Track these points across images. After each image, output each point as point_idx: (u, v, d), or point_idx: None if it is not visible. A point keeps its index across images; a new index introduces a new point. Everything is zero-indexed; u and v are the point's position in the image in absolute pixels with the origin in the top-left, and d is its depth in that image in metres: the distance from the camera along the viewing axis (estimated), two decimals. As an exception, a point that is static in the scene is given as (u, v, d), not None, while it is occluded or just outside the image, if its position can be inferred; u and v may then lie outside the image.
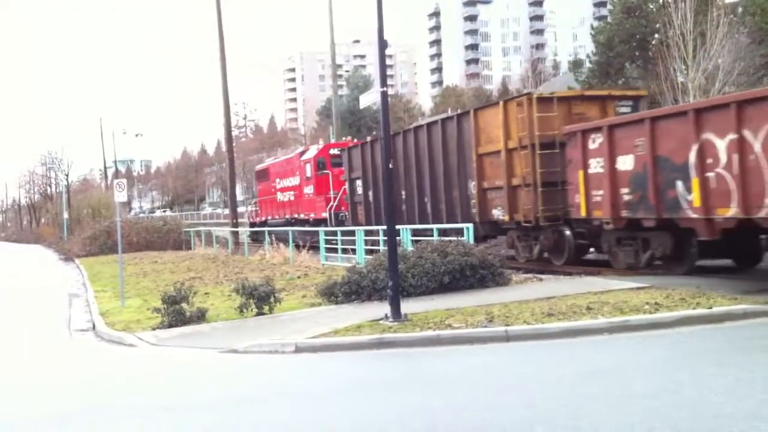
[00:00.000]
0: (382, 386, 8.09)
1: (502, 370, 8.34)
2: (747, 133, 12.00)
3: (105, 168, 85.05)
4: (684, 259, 14.45)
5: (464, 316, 11.13)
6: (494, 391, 7.23)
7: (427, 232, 18.90)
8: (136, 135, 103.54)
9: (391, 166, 12.74)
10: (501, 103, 18.54)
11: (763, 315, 10.01)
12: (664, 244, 14.44)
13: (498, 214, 18.52)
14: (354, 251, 21.18)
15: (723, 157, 12.58)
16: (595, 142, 15.55)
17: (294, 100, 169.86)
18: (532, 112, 17.06)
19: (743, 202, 12.15)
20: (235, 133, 65.26)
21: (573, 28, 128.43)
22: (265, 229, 31.17)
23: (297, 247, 25.56)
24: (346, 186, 27.51)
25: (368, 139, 27.82)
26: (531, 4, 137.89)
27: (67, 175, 76.85)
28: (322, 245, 23.44)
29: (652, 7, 46.18)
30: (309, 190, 31.84)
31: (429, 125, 22.07)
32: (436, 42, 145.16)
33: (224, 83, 37.01)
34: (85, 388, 9.39)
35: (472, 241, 16.29)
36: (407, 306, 11.65)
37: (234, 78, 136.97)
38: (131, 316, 15.21)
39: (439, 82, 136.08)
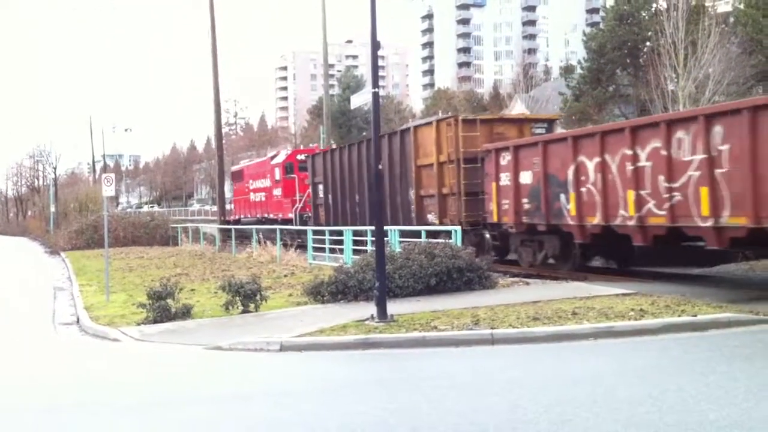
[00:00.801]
0: (366, 386, 8.07)
1: (487, 373, 8.34)
2: (607, 157, 14.85)
3: (93, 162, 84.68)
4: (569, 258, 16.94)
5: (450, 318, 11.13)
6: (479, 393, 7.23)
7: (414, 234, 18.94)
8: (126, 130, 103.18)
9: (381, 167, 12.80)
10: (434, 122, 21.05)
11: (748, 323, 10.06)
12: (554, 246, 17.07)
13: (431, 218, 20.60)
14: (341, 251, 21.15)
15: (591, 176, 15.30)
16: (505, 159, 17.99)
17: (285, 98, 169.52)
18: (458, 131, 19.44)
19: (604, 212, 14.98)
20: (225, 130, 65.13)
21: (565, 33, 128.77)
22: (253, 227, 31.13)
23: (284, 245, 25.52)
24: (310, 189, 29.48)
25: (333, 146, 30.77)
26: (524, 9, 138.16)
27: (54, 169, 76.60)
28: (310, 244, 23.41)
29: (644, 15, 46.32)
30: (278, 192, 33.93)
31: (387, 135, 23.51)
32: (429, 44, 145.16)
33: (215, 81, 36.90)
34: (67, 383, 9.33)
35: (460, 243, 16.31)
36: (393, 307, 11.65)
37: (225, 75, 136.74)
38: (116, 310, 15.14)
39: (431, 85, 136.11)
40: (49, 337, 13.67)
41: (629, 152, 14.24)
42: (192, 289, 17.12)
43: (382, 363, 9.61)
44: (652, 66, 36.86)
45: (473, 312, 11.48)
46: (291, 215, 31.52)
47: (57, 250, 40.26)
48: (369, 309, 11.74)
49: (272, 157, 37.11)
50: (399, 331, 10.61)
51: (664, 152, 13.44)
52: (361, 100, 14.19)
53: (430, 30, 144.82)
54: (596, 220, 15.21)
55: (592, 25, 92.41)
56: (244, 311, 13.42)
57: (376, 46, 11.97)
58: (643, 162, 14.03)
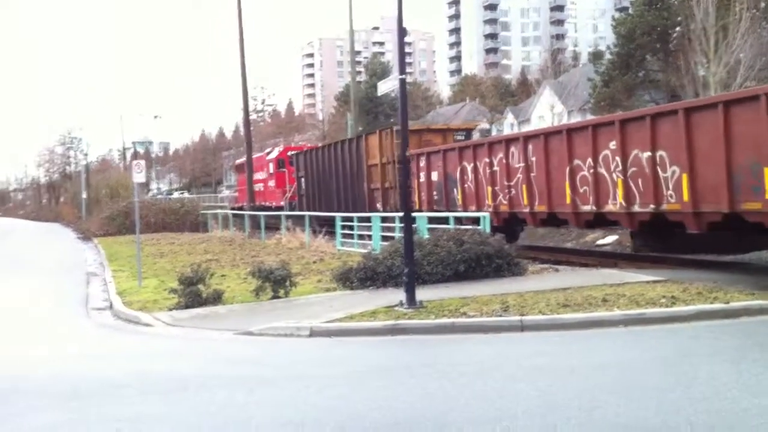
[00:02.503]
0: (395, 372, 8.12)
1: (516, 360, 8.35)
2: (478, 163, 19.71)
3: (124, 149, 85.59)
4: None
5: (479, 304, 11.13)
6: (507, 379, 7.25)
7: (444, 221, 19.09)
8: (155, 117, 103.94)
9: (408, 154, 12.80)
10: (378, 132, 26.63)
11: (781, 311, 9.95)
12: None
13: (379, 206, 25.16)
14: (370, 237, 21.21)
15: (470, 176, 20.09)
16: (422, 161, 22.87)
17: (312, 85, 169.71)
18: (393, 139, 24.28)
19: (477, 203, 19.75)
20: (252, 117, 65.33)
21: (594, 19, 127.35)
22: (282, 213, 31.33)
23: (313, 232, 25.64)
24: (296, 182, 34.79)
25: (319, 145, 36.13)
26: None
27: (86, 155, 77.31)
28: (338, 231, 23.49)
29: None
30: (272, 183, 39.20)
31: (343, 142, 30.38)
32: (456, 30, 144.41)
33: (243, 69, 37.05)
34: (99, 367, 9.48)
35: (488, 230, 16.29)
36: (422, 293, 11.67)
37: (253, 63, 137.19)
38: (148, 296, 15.32)
39: (458, 71, 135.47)
40: (82, 322, 13.89)
41: (487, 160, 19.31)
42: (222, 275, 17.27)
43: (410, 349, 9.66)
44: (683, 51, 36.43)
45: (502, 298, 11.47)
46: (282, 203, 36.19)
47: (89, 236, 40.71)
48: (398, 295, 11.78)
49: (268, 153, 42.35)
50: (428, 317, 10.64)
51: (504, 160, 18.60)
52: (387, 86, 14.19)
53: (456, 16, 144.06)
54: (474, 208, 19.73)
55: (621, 10, 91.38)
56: (274, 297, 13.52)
57: (402, 32, 11.95)
58: (495, 167, 19.03)
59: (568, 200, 16.43)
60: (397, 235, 18.05)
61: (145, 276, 18.13)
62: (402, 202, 12.36)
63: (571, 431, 5.40)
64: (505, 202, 18.60)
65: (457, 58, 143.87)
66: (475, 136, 28.07)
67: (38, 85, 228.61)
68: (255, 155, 46.96)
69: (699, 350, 8.27)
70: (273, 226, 30.47)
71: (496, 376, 7.47)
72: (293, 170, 35.39)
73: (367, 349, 9.74)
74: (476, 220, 17.77)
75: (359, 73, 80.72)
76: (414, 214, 16.32)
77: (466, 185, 20.31)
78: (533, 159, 17.45)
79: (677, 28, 44.59)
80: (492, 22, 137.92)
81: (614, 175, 15.06)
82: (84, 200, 58.48)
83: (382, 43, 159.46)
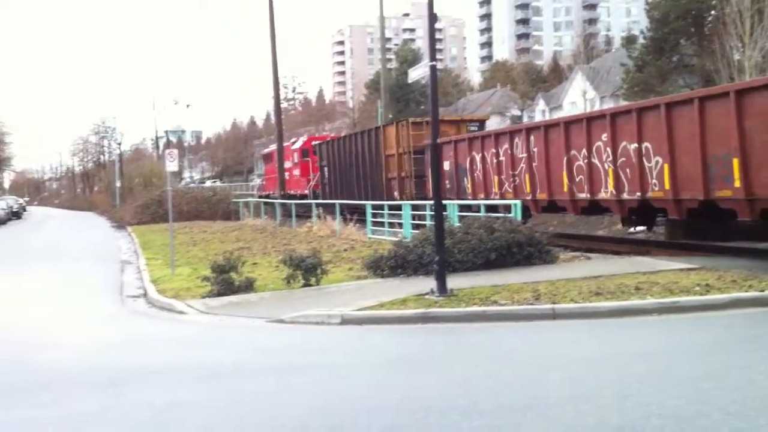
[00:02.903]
0: (426, 360, 8.13)
1: (548, 348, 8.32)
2: (485, 153, 21.03)
3: (156, 138, 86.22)
4: None
5: (510, 293, 11.10)
6: (539, 368, 7.22)
7: (474, 208, 19.08)
8: (187, 106, 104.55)
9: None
10: (395, 123, 28.09)
11: (818, 300, 9.79)
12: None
13: (396, 194, 26.61)
14: (400, 225, 21.22)
15: (478, 165, 21.50)
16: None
17: (342, 73, 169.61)
18: (409, 131, 26.05)
19: (485, 191, 21.11)
20: (283, 106, 65.55)
21: (627, 3, 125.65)
22: (312, 201, 31.48)
23: (344, 220, 25.71)
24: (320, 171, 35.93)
25: (341, 135, 37.37)
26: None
27: (119, 144, 78.18)
28: (369, 219, 23.52)
29: (709, -18, 44.90)
30: (297, 172, 40.38)
31: (362, 133, 31.80)
32: (487, 16, 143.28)
33: (274, 58, 37.13)
34: (132, 354, 9.62)
35: (519, 218, 16.21)
36: (453, 281, 11.65)
37: (283, 51, 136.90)
38: (181, 284, 15.48)
39: (489, 57, 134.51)
40: (117, 310, 14.07)
41: (494, 150, 20.58)
42: (254, 263, 17.39)
43: (441, 337, 9.66)
44: (718, 35, 35.79)
45: (534, 287, 11.42)
46: (306, 191, 37.23)
47: (123, 224, 41.23)
48: (428, 283, 11.78)
49: (293, 143, 43.27)
50: (459, 305, 10.63)
51: (509, 150, 19.87)
52: (418, 73, 14.10)
53: (487, 2, 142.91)
54: (482, 195, 21.01)
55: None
56: (305, 285, 13.60)
57: (433, 18, 11.89)
58: (501, 157, 20.33)
59: (565, 188, 17.60)
60: (428, 223, 18.04)
61: (178, 264, 18.32)
62: (433, 190, 12.32)
63: (604, 420, 5.36)
64: (510, 190, 19.91)
65: (487, 44, 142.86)
66: (505, 123, 29.99)
67: (74, 74, 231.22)
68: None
69: (733, 339, 8.18)
70: (302, 214, 30.70)
71: (528, 364, 7.45)
72: (317, 159, 36.47)
73: (398, 337, 9.76)
74: (506, 208, 17.77)
75: (389, 60, 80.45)
76: (444, 202, 16.29)
77: (475, 174, 21.79)
78: (535, 150, 18.73)
79: (712, 12, 43.81)
80: (523, 7, 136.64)
81: (606, 165, 16.19)
82: (118, 189, 59.18)
83: (412, 30, 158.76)
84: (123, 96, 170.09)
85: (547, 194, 18.25)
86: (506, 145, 20.04)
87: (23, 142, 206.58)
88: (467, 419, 5.57)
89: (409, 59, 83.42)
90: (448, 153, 23.00)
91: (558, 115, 55.76)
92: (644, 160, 15.05)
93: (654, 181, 14.91)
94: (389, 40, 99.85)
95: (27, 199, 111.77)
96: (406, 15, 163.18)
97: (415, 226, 19.83)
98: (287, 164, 41.85)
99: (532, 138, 18.93)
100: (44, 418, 6.40)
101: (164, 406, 6.60)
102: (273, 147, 49.68)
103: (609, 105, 48.48)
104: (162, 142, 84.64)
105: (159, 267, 18.96)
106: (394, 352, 8.77)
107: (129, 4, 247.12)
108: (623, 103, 29.83)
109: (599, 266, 13.66)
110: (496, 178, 20.60)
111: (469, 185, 22.04)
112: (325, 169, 34.84)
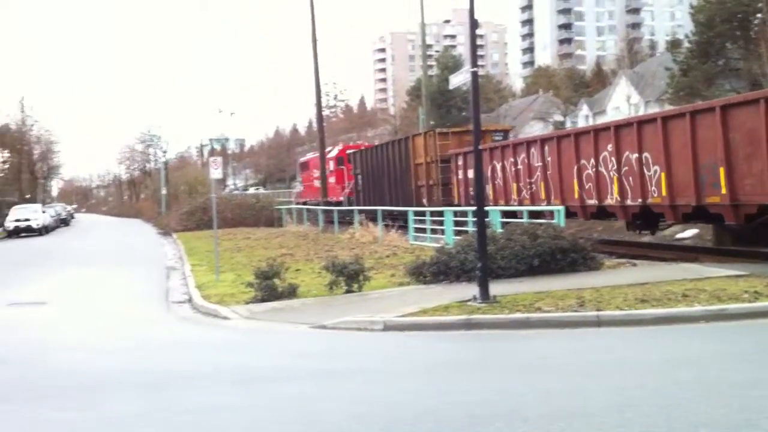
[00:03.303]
0: (468, 367, 8.10)
1: (592, 356, 8.22)
2: (505, 162, 22.41)
3: (201, 146, 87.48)
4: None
5: (554, 299, 11.00)
6: (583, 376, 7.14)
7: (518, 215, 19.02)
8: (231, 114, 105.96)
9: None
10: (423, 134, 29.55)
11: None
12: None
13: (424, 201, 27.68)
14: (442, 232, 21.19)
15: (499, 173, 22.93)
16: (460, 161, 25.58)
17: (384, 80, 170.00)
18: (436, 141, 27.46)
19: (506, 198, 22.49)
20: (325, 113, 65.90)
21: (671, 6, 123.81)
22: (354, 208, 31.62)
23: (386, 226, 25.77)
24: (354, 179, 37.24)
25: (374, 144, 39.47)
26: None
27: (165, 152, 79.33)
28: (411, 225, 23.52)
29: (755, -15, 44.07)
30: (332, 179, 41.67)
31: (393, 142, 33.52)
32: (528, 21, 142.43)
33: (316, 66, 37.42)
34: (177, 359, 9.74)
35: (563, 223, 16.07)
36: (495, 288, 11.59)
37: (325, 59, 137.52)
38: (225, 289, 15.64)
39: (531, 63, 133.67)
40: (163, 315, 14.28)
41: (512, 159, 21.95)
42: (297, 269, 17.49)
43: (484, 343, 9.62)
44: (764, 39, 35.10)
45: (578, 293, 11.30)
46: (342, 198, 38.41)
47: (168, 231, 41.80)
48: (471, 290, 11.73)
49: (328, 152, 44.91)
50: (502, 312, 10.57)
51: (526, 160, 21.26)
52: (459, 79, 14.08)
53: (529, 7, 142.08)
54: (503, 201, 22.26)
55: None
56: (348, 291, 13.64)
57: (474, 24, 11.89)
58: (519, 165, 21.60)
59: (576, 195, 18.79)
60: (470, 229, 17.98)
61: (222, 270, 18.51)
62: (476, 196, 12.28)
63: (650, 429, 5.29)
64: (527, 197, 21.24)
65: (529, 49, 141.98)
66: (548, 129, 30.55)
67: (121, 82, 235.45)
68: (316, 154, 49.63)
69: (784, 347, 8.00)
70: (344, 221, 30.90)
71: (572, 371, 7.37)
72: (351, 168, 37.87)
73: (440, 344, 9.74)
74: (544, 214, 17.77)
75: (431, 67, 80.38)
76: (487, 208, 16.26)
77: (496, 182, 23.13)
78: (549, 159, 19.99)
79: (758, 15, 43.00)
80: (566, 12, 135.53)
81: (611, 174, 17.41)
82: (163, 196, 60.00)
83: (453, 36, 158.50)
84: (168, 104, 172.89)
85: (561, 201, 19.21)
86: (523, 155, 21.42)
87: (71, 150, 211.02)
88: (510, 427, 5.53)
89: (450, 66, 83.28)
90: (471, 162, 23.44)
91: (602, 120, 55.21)
92: (644, 169, 16.23)
93: (653, 188, 16.10)
94: (430, 46, 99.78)
95: (75, 206, 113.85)
96: (447, 22, 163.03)
97: (457, 233, 19.78)
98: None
99: (546, 148, 20.24)
100: (89, 421, 6.52)
101: (207, 410, 6.67)
102: (308, 156, 53.31)
103: (654, 110, 47.86)
104: (206, 150, 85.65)
105: (204, 273, 19.18)
106: (436, 358, 8.75)
107: (173, 13, 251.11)
108: (668, 107, 29.89)
109: (645, 273, 13.47)
110: (514, 185, 21.96)
111: (491, 192, 23.10)
112: (359, 176, 36.15)
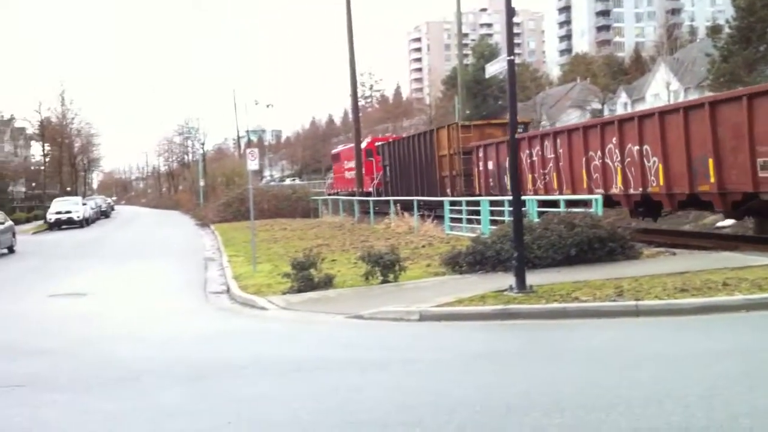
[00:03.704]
0: (506, 357, 8.08)
1: (631, 346, 8.15)
2: (522, 154, 22.52)
3: (238, 137, 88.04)
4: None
5: (592, 289, 10.91)
6: (622, 366, 7.09)
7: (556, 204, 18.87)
8: (267, 106, 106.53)
9: (517, 136, 12.69)
10: (446, 127, 30.86)
11: None
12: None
13: (448, 191, 28.74)
14: (478, 221, 21.10)
15: (530, 164, 22.99)
16: (480, 153, 26.78)
17: (419, 70, 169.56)
18: (458, 133, 28.61)
19: (525, 187, 22.10)
20: (361, 103, 65.92)
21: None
22: (389, 198, 31.65)
23: (421, 216, 25.75)
24: (383, 170, 38.36)
25: (401, 136, 40.33)
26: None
27: (202, 144, 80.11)
28: (447, 215, 23.47)
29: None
30: (363, 171, 41.59)
31: (419, 135, 34.64)
32: (566, 9, 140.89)
33: (351, 56, 37.42)
34: (215, 348, 9.85)
35: (600, 212, 15.92)
36: (532, 278, 11.53)
37: (360, 48, 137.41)
38: (262, 280, 15.76)
39: (568, 50, 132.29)
40: (202, 306, 14.44)
41: (528, 151, 22.83)
42: (333, 260, 17.57)
43: (521, 334, 9.58)
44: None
45: (616, 283, 11.19)
46: (370, 189, 39.14)
47: (206, 222, 42.22)
48: (507, 280, 11.69)
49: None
50: (538, 302, 10.52)
51: (540, 152, 22.14)
52: (496, 68, 13.97)
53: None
54: (521, 191, 21.91)
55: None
56: (384, 281, 13.66)
57: (511, 12, 11.77)
58: (534, 157, 22.59)
59: (585, 185, 19.82)
60: (506, 218, 17.90)
61: (259, 261, 18.65)
62: (513, 185, 12.19)
63: (689, 420, 5.23)
64: (541, 187, 22.27)
65: (567, 37, 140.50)
66: (586, 117, 31.56)
67: (160, 74, 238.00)
68: (346, 146, 51.85)
69: (829, 337, 7.85)
70: (379, 211, 31.03)
71: (611, 362, 7.32)
72: (379, 159, 38.76)
73: (477, 334, 9.72)
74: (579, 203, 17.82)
75: (466, 56, 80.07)
76: (524, 197, 16.18)
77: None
78: (560, 151, 21.07)
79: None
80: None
81: (615, 164, 18.49)
82: (201, 188, 60.57)
83: (489, 25, 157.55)
84: (206, 96, 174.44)
85: (572, 190, 20.23)
86: (538, 147, 22.49)
87: (110, 142, 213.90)
88: (548, 417, 5.51)
89: (486, 54, 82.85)
90: (491, 154, 25.86)
91: (640, 107, 54.52)
92: (644, 160, 17.34)
93: (652, 178, 17.18)
94: (466, 35, 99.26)
95: (115, 198, 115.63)
96: (484, 10, 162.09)
97: (493, 222, 19.69)
98: (353, 164, 44.32)
99: (558, 140, 21.36)
100: (135, 411, 6.64)
101: (248, 399, 6.75)
102: (339, 148, 55.81)
103: (694, 96, 47.15)
104: (243, 142, 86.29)
105: (241, 264, 19.35)
106: (472, 348, 8.74)
107: (211, 4, 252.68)
108: (707, 94, 29.93)
109: (685, 262, 13.29)
110: (530, 176, 22.91)
111: (509, 183, 22.77)
112: (387, 168, 37.28)
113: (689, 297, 9.88)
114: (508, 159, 22.21)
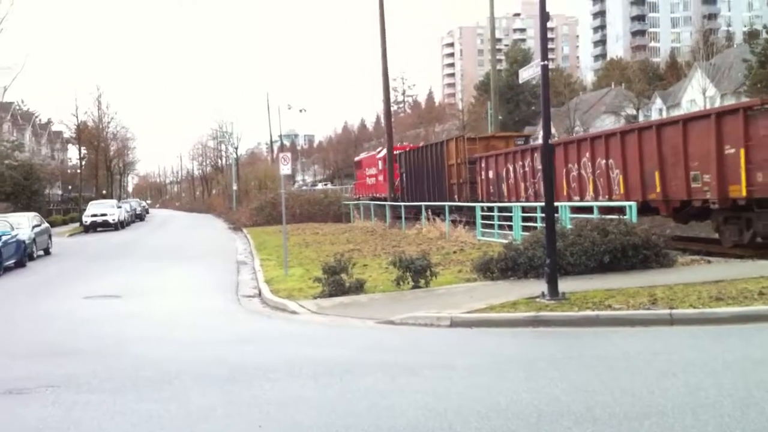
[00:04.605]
0: (537, 364, 8.02)
1: (665, 355, 8.06)
2: (516, 165, 26.11)
3: (271, 142, 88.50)
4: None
5: (625, 297, 10.81)
6: (656, 375, 7.01)
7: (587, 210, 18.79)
8: (300, 111, 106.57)
9: (550, 141, 12.60)
10: (455, 139, 34.23)
11: None
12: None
13: (456, 197, 31.11)
14: (510, 227, 21.02)
15: (511, 174, 26.54)
16: (482, 163, 29.63)
17: (452, 75, 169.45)
18: (465, 145, 31.67)
19: (516, 195, 25.78)
20: (393, 108, 66.05)
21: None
22: (423, 203, 31.63)
23: (453, 222, 25.70)
24: (400, 177, 40.43)
25: (418, 145, 43.41)
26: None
27: (236, 149, 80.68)
28: (479, 221, 23.40)
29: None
30: (381, 177, 44.76)
31: (431, 145, 37.44)
32: (600, 14, 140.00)
33: (384, 63, 37.45)
34: (249, 352, 9.91)
35: (635, 219, 15.77)
36: (565, 285, 11.45)
37: (393, 53, 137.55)
38: (294, 284, 15.83)
39: (602, 56, 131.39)
40: (234, 309, 14.52)
41: (520, 163, 25.76)
42: (364, 265, 17.60)
43: (553, 341, 9.51)
44: None
45: (650, 291, 11.08)
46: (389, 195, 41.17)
47: (239, 226, 42.49)
48: (539, 286, 11.62)
49: (378, 152, 48.97)
50: (571, 309, 10.44)
51: (530, 163, 24.89)
52: (529, 73, 13.93)
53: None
54: (514, 199, 25.27)
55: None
56: (415, 287, 13.65)
57: (545, 17, 11.74)
58: (526, 168, 25.32)
59: (565, 193, 22.32)
60: (539, 225, 17.79)
61: (291, 265, 18.73)
62: (546, 191, 12.12)
63: (725, 429, 5.16)
64: (532, 194, 24.57)
65: (601, 42, 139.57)
66: (620, 123, 31.34)
67: (195, 81, 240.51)
68: (368, 154, 55.42)
69: None
70: (410, 217, 31.18)
71: (644, 370, 7.24)
72: (397, 167, 40.40)
73: (508, 340, 9.68)
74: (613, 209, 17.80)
75: (500, 61, 79.76)
76: (556, 204, 16.10)
77: (509, 181, 26.78)
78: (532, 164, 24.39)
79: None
80: (639, 3, 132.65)
81: (588, 175, 21.18)
82: (234, 192, 61.01)
83: (523, 30, 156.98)
84: (239, 101, 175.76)
85: (555, 198, 21.54)
86: (528, 159, 25.21)
87: (146, 146, 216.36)
88: (580, 426, 5.48)
89: (520, 60, 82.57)
90: (492, 164, 28.78)
91: (675, 113, 53.96)
92: (610, 172, 20.00)
93: (616, 187, 19.78)
94: (499, 40, 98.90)
95: (149, 201, 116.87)
96: (517, 15, 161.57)
97: (525, 228, 19.58)
98: (373, 171, 47.87)
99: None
100: (169, 412, 6.71)
101: (279, 403, 6.79)
102: (362, 155, 59.13)
103: (730, 102, 46.54)
104: (276, 146, 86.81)
105: (273, 267, 19.46)
106: (504, 355, 8.70)
107: (245, 9, 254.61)
108: (744, 99, 30.26)
109: (720, 270, 13.11)
110: (522, 184, 25.60)
111: (506, 190, 27.01)
112: (404, 175, 39.73)
113: (725, 306, 9.76)
114: (505, 169, 27.10)
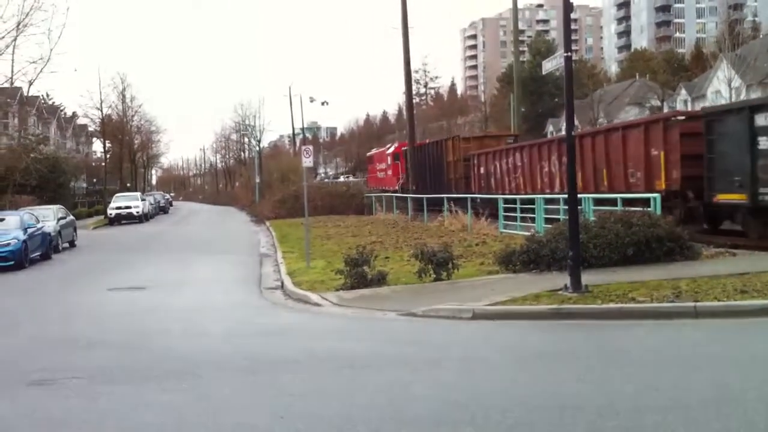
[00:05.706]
0: (560, 357, 8.00)
1: (690, 348, 7.99)
2: (501, 162, 29.54)
3: (294, 134, 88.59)
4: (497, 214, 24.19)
5: (649, 290, 10.72)
6: (680, 368, 6.96)
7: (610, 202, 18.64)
8: (322, 103, 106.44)
9: (573, 133, 12.52)
10: (452, 138, 37.66)
11: None
12: (489, 207, 25.54)
13: (453, 191, 32.92)
14: (533, 220, 20.92)
15: (498, 170, 29.71)
16: (475, 160, 32.64)
17: (474, 67, 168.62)
18: (460, 144, 35.04)
19: (502, 188, 28.73)
20: (415, 101, 65.92)
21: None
22: (444, 196, 31.59)
23: (475, 214, 25.63)
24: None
25: (424, 142, 44.31)
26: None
27: (259, 141, 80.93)
28: (501, 213, 23.32)
29: None
30: (390, 172, 47.78)
31: (433, 143, 40.44)
32: (625, 4, 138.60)
33: (406, 57, 37.32)
34: (273, 343, 9.96)
35: (659, 212, 15.63)
36: (587, 277, 11.38)
37: (415, 45, 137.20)
38: (316, 276, 15.87)
39: (627, 47, 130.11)
40: (257, 301, 14.60)
41: (505, 160, 29.01)
42: (386, 257, 17.58)
43: (575, 334, 9.47)
44: None
45: (674, 284, 10.98)
46: (397, 188, 43.14)
47: (262, 218, 42.63)
48: (562, 279, 11.56)
49: (387, 148, 52.02)
50: (594, 302, 10.38)
51: (513, 161, 28.39)
52: (552, 65, 13.82)
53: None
54: (500, 191, 27.77)
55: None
56: (437, 279, 13.63)
57: (568, 8, 11.62)
58: (509, 165, 28.46)
59: (539, 186, 25.53)
60: (561, 217, 17.68)
61: (313, 257, 18.77)
62: (569, 184, 12.06)
63: (749, 424, 5.11)
64: (513, 187, 27.78)
65: (625, 33, 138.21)
66: (644, 114, 31.95)
67: (218, 73, 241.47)
68: (379, 149, 58.06)
69: None
70: (433, 209, 31.11)
71: (668, 363, 7.19)
72: (404, 162, 42.71)
73: (531, 333, 9.65)
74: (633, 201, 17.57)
75: (522, 52, 79.25)
76: (579, 196, 15.95)
77: (497, 176, 29.93)
78: (525, 160, 27.21)
79: None
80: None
81: (555, 171, 24.24)
82: (257, 184, 61.19)
83: (546, 21, 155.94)
84: (262, 93, 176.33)
85: (531, 190, 25.61)
86: (511, 157, 28.55)
87: (169, 138, 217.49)
88: (602, 419, 5.45)
89: (543, 51, 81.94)
90: (482, 161, 31.86)
91: (701, 105, 53.43)
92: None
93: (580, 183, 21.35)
94: (522, 32, 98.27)
95: (173, 194, 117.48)
96: (540, 6, 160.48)
97: (548, 221, 19.48)
98: (383, 165, 50.55)
99: (524, 152, 27.56)
100: (191, 403, 6.77)
101: (301, 394, 6.82)
102: (373, 151, 62.52)
103: (757, 94, 45.99)
104: (298, 139, 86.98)
105: (295, 260, 19.50)
106: (526, 347, 8.68)
107: (267, 4, 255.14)
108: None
109: (745, 263, 12.97)
110: (506, 179, 28.83)
111: (494, 184, 30.15)
112: (409, 169, 41.11)
113: (750, 299, 9.65)
114: (493, 165, 30.35)
